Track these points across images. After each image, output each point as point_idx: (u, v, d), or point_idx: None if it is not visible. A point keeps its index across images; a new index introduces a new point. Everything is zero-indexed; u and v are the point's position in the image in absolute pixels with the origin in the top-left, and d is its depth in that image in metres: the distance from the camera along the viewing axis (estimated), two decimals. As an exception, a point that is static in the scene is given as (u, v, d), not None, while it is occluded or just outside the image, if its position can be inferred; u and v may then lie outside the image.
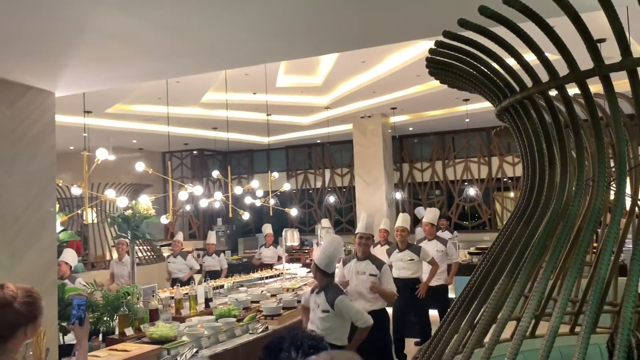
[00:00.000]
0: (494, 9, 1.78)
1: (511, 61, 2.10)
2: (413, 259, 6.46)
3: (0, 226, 3.78)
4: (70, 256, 6.71)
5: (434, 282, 6.77)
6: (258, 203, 8.96)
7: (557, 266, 2.49)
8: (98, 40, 3.27)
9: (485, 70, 2.12)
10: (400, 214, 6.87)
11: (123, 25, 3.07)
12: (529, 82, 2.11)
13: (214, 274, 9.28)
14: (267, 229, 10.13)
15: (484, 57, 2.05)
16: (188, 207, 13.23)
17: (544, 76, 2.01)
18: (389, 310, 5.44)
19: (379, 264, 5.21)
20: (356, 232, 5.51)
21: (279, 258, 9.19)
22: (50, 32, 3.11)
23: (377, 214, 10.79)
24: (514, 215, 2.30)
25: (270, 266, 9.04)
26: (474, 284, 2.27)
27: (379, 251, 6.86)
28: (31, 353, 3.63)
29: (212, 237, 9.90)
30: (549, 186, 2.12)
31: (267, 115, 9.89)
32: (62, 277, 6.34)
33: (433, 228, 7.41)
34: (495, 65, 2.13)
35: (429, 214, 7.54)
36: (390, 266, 6.22)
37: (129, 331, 4.67)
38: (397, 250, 6.55)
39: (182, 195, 7.02)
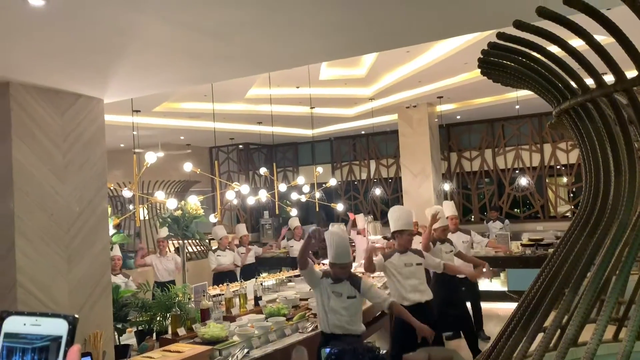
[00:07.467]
0: (552, 10, 1.65)
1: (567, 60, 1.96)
2: (452, 250, 6.38)
3: (57, 233, 3.88)
4: (118, 249, 6.87)
5: (463, 275, 6.41)
6: (303, 199, 8.94)
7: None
8: (143, 48, 3.29)
9: (544, 72, 1.99)
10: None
11: (166, 32, 3.07)
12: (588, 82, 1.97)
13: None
14: (295, 222, 10.04)
15: (543, 58, 1.92)
16: (235, 201, 13.36)
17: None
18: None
19: (419, 252, 5.30)
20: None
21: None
22: (98, 42, 3.14)
23: (425, 206, 10.57)
24: (576, 224, 2.17)
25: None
26: (534, 297, 2.16)
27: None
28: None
29: (242, 229, 9.82)
30: (615, 194, 1.98)
31: (311, 108, 9.84)
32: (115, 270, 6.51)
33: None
34: (553, 66, 1.99)
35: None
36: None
37: (182, 331, 4.74)
38: (438, 242, 6.38)
39: (230, 195, 7.08)
